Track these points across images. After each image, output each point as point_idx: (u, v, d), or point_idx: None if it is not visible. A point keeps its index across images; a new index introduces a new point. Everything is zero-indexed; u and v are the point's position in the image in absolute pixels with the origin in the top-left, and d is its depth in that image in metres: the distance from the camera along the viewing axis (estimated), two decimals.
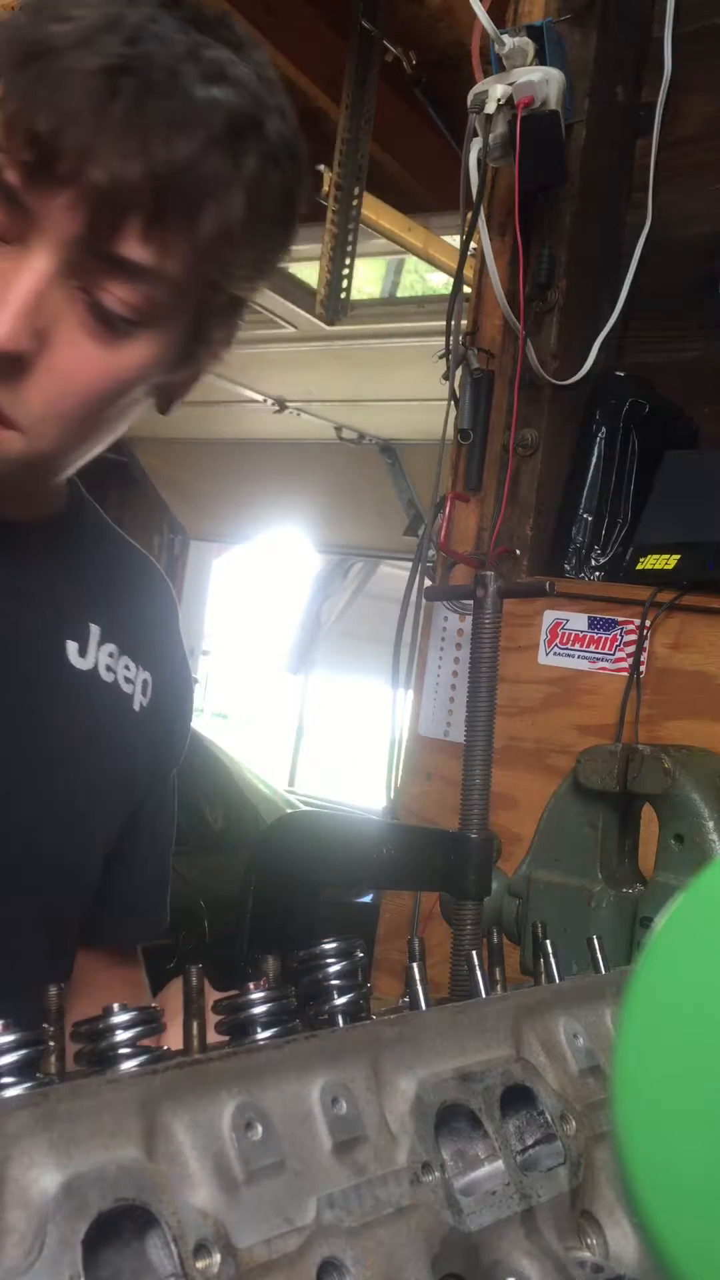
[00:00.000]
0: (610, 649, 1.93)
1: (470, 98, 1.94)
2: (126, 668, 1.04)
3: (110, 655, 1.02)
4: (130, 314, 0.83)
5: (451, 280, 2.17)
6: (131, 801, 1.06)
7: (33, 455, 0.86)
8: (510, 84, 1.90)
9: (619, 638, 1.92)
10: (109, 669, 1.02)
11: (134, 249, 0.80)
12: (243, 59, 0.83)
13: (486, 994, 0.64)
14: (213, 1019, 0.53)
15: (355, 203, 3.55)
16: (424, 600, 2.10)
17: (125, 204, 0.78)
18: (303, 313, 4.61)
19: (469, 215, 2.03)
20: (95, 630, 1.01)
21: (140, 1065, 0.48)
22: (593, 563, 2.03)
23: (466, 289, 2.16)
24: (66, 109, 0.76)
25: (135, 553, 1.15)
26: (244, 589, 9.57)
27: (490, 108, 1.91)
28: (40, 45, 0.77)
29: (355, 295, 3.79)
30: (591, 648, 1.95)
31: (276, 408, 6.07)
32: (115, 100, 0.76)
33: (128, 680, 1.04)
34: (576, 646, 1.96)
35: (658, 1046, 0.37)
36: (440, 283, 4.47)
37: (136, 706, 1.04)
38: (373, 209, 3.57)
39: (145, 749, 1.06)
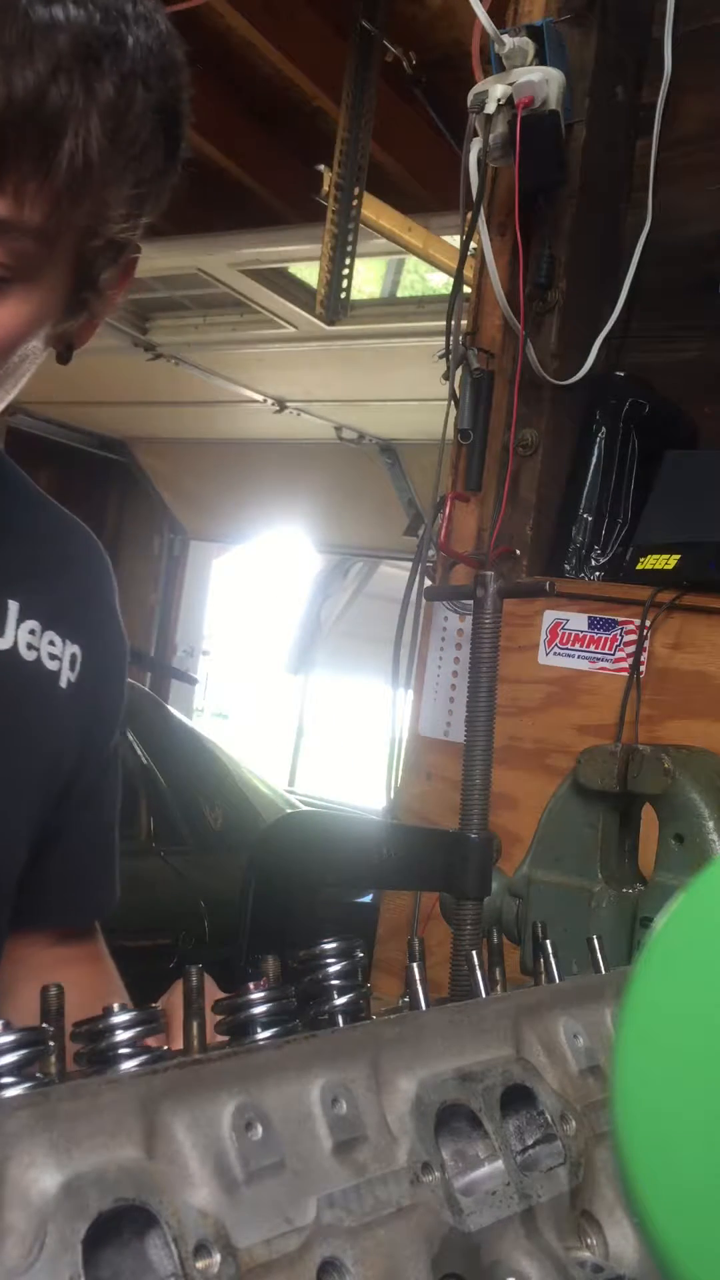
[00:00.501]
0: (610, 649, 1.93)
1: (470, 98, 1.94)
2: (51, 643, 0.99)
3: (31, 633, 0.97)
4: (1, 272, 0.77)
5: (451, 280, 2.17)
6: (60, 782, 1.02)
7: None
8: (510, 84, 1.91)
9: (619, 638, 1.92)
10: (30, 646, 0.97)
11: None
12: None
13: (486, 994, 0.64)
14: (213, 1019, 0.53)
15: (355, 203, 3.55)
16: (424, 600, 2.10)
17: None
18: (303, 313, 4.61)
19: (469, 215, 2.03)
20: (14, 607, 0.96)
21: (140, 1065, 0.48)
22: (593, 563, 2.03)
23: (466, 289, 2.16)
24: None
25: (62, 518, 1.08)
26: (244, 589, 9.58)
27: (490, 108, 1.91)
28: None
29: (355, 295, 3.79)
30: (591, 648, 1.95)
31: (276, 408, 6.07)
32: None
33: (52, 657, 0.99)
34: (576, 646, 1.97)
35: (658, 1046, 0.37)
36: (440, 283, 4.47)
37: (63, 683, 1.00)
38: (373, 209, 3.57)
39: (74, 726, 1.02)
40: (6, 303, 0.79)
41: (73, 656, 1.01)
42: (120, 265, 0.87)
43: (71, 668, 1.01)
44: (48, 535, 1.06)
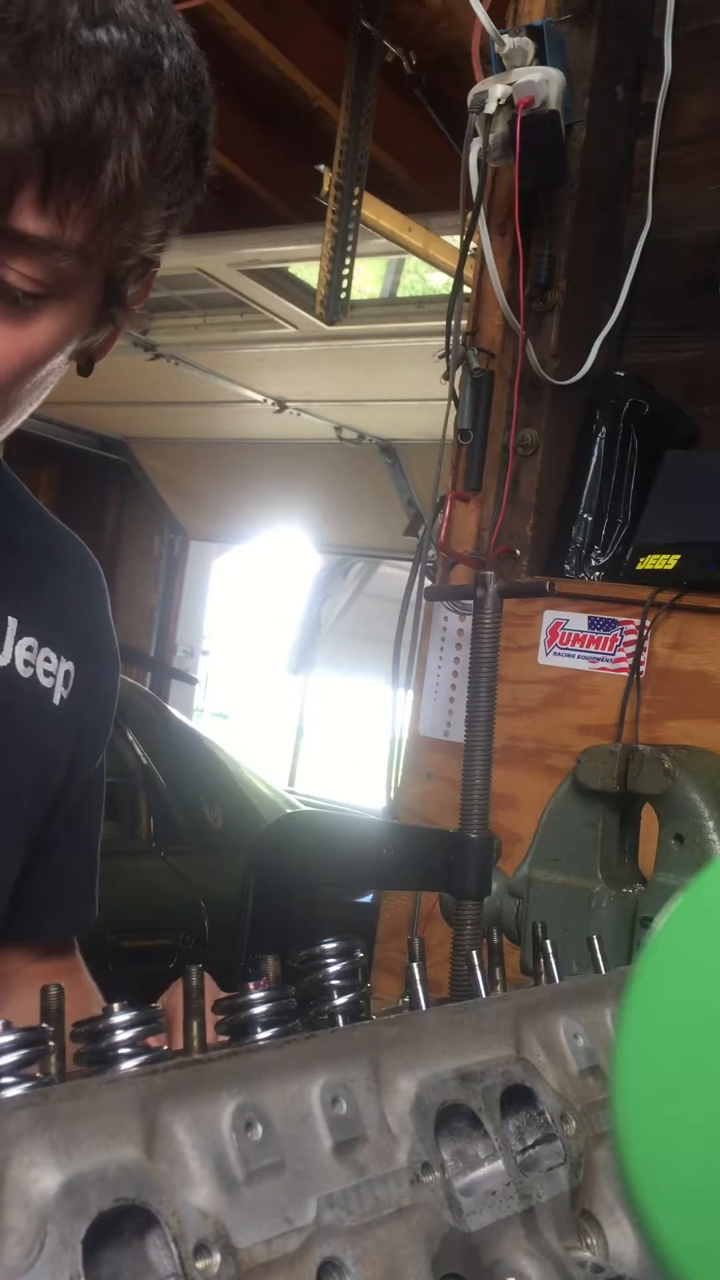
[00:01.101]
0: (610, 649, 1.93)
1: (470, 98, 1.94)
2: (47, 660, 0.99)
3: (29, 649, 0.97)
4: (35, 289, 0.78)
5: (451, 280, 2.17)
6: (49, 798, 1.02)
7: None
8: (510, 84, 1.91)
9: (619, 638, 1.92)
10: (27, 664, 0.97)
11: (29, 222, 0.74)
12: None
13: (486, 994, 0.64)
14: (213, 1019, 0.53)
15: (355, 203, 3.55)
16: (424, 600, 2.10)
17: (14, 175, 0.72)
18: (303, 313, 4.61)
19: (469, 215, 2.03)
20: (13, 623, 0.96)
21: (140, 1065, 0.48)
22: (593, 563, 2.03)
23: (466, 289, 2.16)
24: None
25: (59, 533, 1.09)
26: (244, 589, 9.58)
27: (490, 108, 1.91)
28: None
29: (355, 295, 3.79)
30: (591, 648, 1.95)
31: (276, 408, 6.07)
32: None
33: (47, 674, 0.99)
34: (576, 646, 1.97)
35: (658, 1047, 0.37)
36: (440, 283, 4.47)
37: (57, 700, 1.00)
38: (373, 209, 3.57)
39: (66, 743, 1.02)
40: (40, 320, 0.80)
41: (66, 673, 1.01)
42: (145, 278, 0.89)
43: (65, 684, 1.01)
44: (45, 550, 1.06)
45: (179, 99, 0.77)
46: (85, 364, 0.93)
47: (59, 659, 1.01)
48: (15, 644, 0.97)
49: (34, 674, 0.98)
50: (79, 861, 1.11)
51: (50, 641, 1.00)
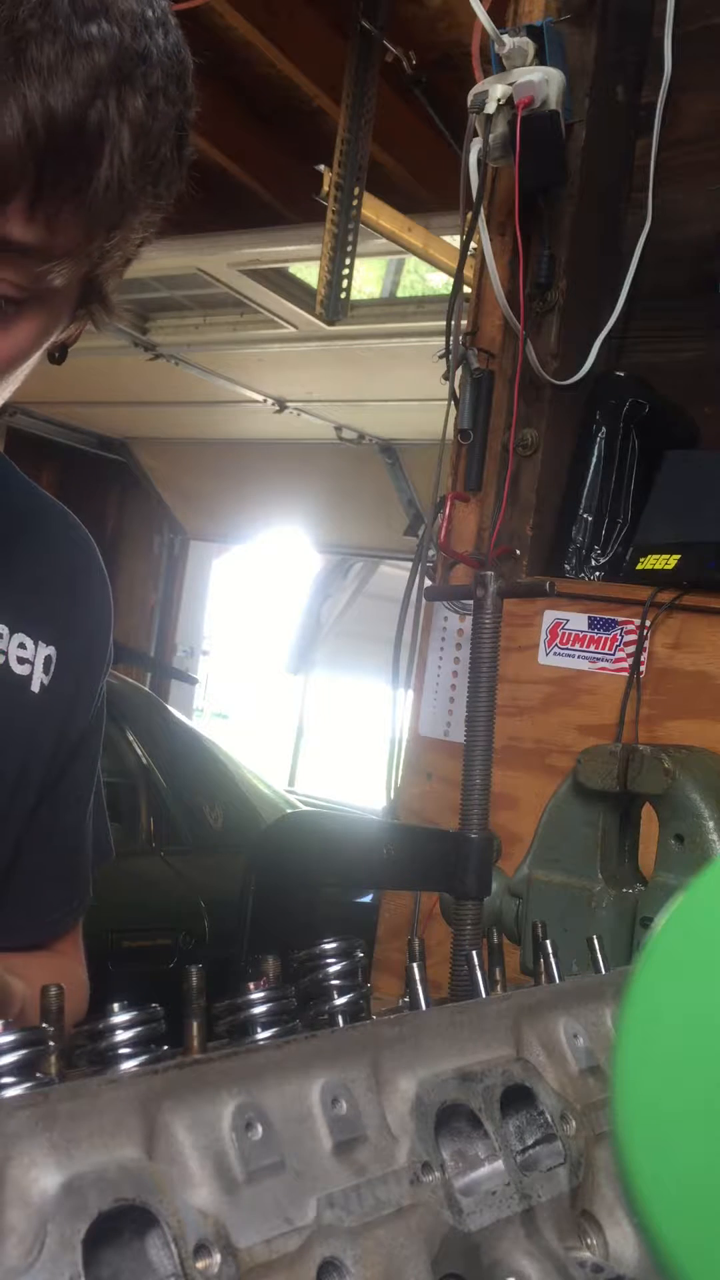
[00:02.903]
0: (610, 649, 1.93)
1: (470, 98, 1.94)
2: (21, 646, 0.95)
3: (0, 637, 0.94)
4: (20, 295, 0.75)
5: (451, 280, 2.17)
6: (31, 795, 0.99)
7: None
8: (510, 84, 1.91)
9: (619, 638, 1.92)
10: None
11: (18, 229, 0.71)
12: None
13: (486, 994, 0.64)
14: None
15: (355, 203, 3.54)
16: (424, 600, 2.10)
17: (4, 182, 0.69)
18: (303, 313, 4.61)
19: (469, 215, 2.03)
20: None
21: (140, 1065, 0.48)
22: (593, 563, 2.03)
23: (466, 289, 2.16)
24: None
25: (45, 511, 1.04)
26: (244, 589, 9.58)
27: (490, 108, 1.91)
28: None
29: (355, 295, 3.79)
30: (591, 648, 1.95)
31: (276, 408, 6.07)
32: None
33: (22, 660, 0.95)
34: (576, 646, 1.96)
35: (658, 1047, 0.37)
36: (440, 283, 4.47)
37: (35, 687, 0.96)
38: (373, 209, 3.57)
39: (49, 730, 0.98)
40: (20, 324, 0.78)
41: (46, 659, 0.98)
42: (122, 271, 0.86)
43: (45, 670, 0.97)
44: (22, 531, 1.02)
45: (166, 91, 0.74)
46: (59, 356, 0.90)
47: (36, 644, 0.97)
48: None
49: (6, 662, 0.94)
50: (66, 845, 1.06)
51: (24, 627, 0.96)
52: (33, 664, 0.97)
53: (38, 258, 0.73)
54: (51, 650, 0.98)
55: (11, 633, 0.95)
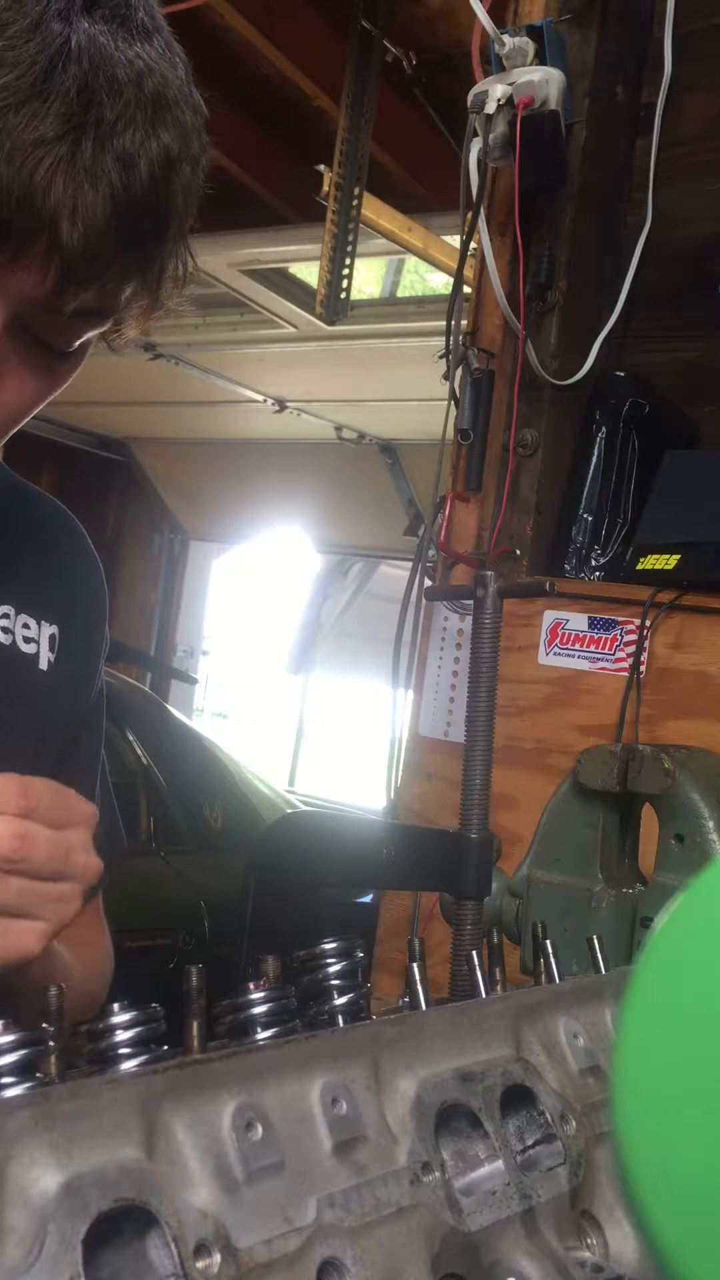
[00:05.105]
0: (610, 649, 1.93)
1: (470, 98, 1.94)
2: (26, 626, 0.99)
3: (5, 617, 0.98)
4: (75, 348, 0.83)
5: (451, 280, 2.17)
6: (44, 770, 1.00)
7: None
8: (510, 84, 1.90)
9: (619, 638, 1.92)
10: (5, 630, 0.97)
11: (94, 300, 0.79)
12: (154, 43, 0.77)
13: (486, 994, 0.64)
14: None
15: (355, 203, 3.55)
16: (424, 600, 2.10)
17: (94, 263, 0.75)
18: (303, 313, 4.61)
19: (469, 215, 2.03)
20: None
21: (140, 1065, 0.48)
22: (593, 563, 2.03)
23: (466, 289, 2.16)
24: (24, 178, 0.71)
25: (35, 501, 1.10)
26: (244, 589, 9.58)
27: (490, 108, 1.91)
28: None
29: (355, 295, 3.79)
30: (591, 648, 1.95)
31: (276, 408, 6.07)
32: (77, 161, 0.72)
33: (28, 640, 0.99)
34: (576, 646, 1.96)
35: (658, 1046, 0.37)
36: (440, 283, 4.46)
37: (44, 665, 1.00)
38: (373, 209, 3.57)
39: (57, 707, 1.03)
40: (65, 369, 0.85)
41: (51, 637, 1.02)
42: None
43: (51, 648, 1.01)
44: (17, 518, 1.06)
45: (202, 150, 0.81)
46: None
47: (40, 624, 1.01)
48: None
49: (13, 641, 0.98)
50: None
51: (28, 608, 1.00)
52: (38, 643, 1.00)
53: (98, 319, 0.82)
54: (55, 629, 1.02)
55: (16, 613, 0.99)
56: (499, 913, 1.23)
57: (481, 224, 2.05)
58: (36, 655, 1.00)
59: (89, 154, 0.72)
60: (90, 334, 0.83)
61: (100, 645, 1.11)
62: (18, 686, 0.98)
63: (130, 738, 3.95)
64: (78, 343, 0.83)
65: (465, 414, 2.09)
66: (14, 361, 0.80)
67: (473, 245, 2.09)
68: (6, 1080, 0.44)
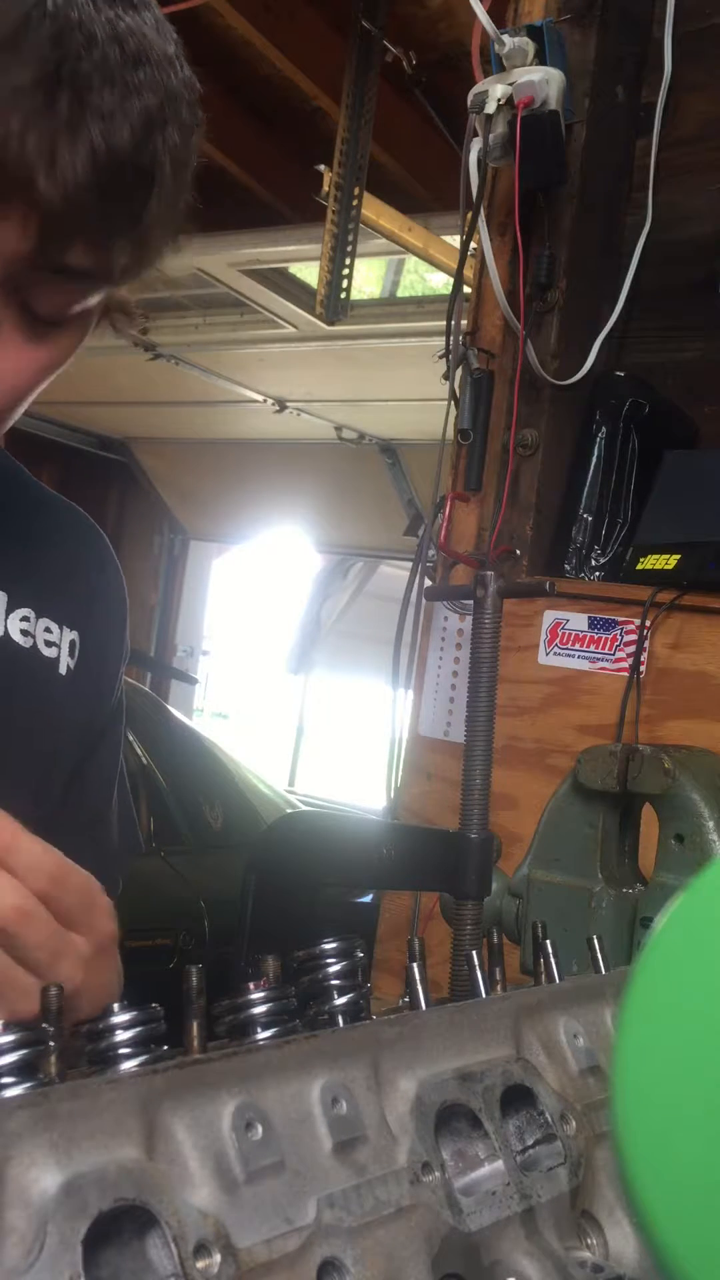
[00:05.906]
0: (610, 649, 1.93)
1: (470, 98, 1.94)
2: (47, 630, 0.99)
3: (25, 619, 0.98)
4: (66, 314, 0.81)
5: (451, 280, 2.17)
6: (64, 776, 1.02)
7: None
8: (510, 84, 1.90)
9: (619, 638, 1.92)
10: (25, 634, 0.97)
11: (79, 258, 0.77)
12: (141, 15, 0.78)
13: (486, 994, 0.64)
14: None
15: (355, 203, 3.55)
16: (424, 600, 2.10)
17: (74, 217, 0.75)
18: (303, 313, 4.61)
19: (469, 215, 2.03)
20: (2, 597, 0.96)
21: (140, 1065, 0.48)
22: (593, 563, 2.03)
23: (466, 289, 2.16)
24: (4, 128, 0.71)
25: (57, 507, 1.10)
26: (244, 589, 9.58)
27: (490, 108, 1.91)
28: None
29: (355, 295, 3.79)
30: (591, 648, 1.95)
31: (276, 408, 6.07)
32: (54, 113, 0.71)
33: (49, 644, 0.99)
34: (576, 646, 1.96)
35: (658, 1046, 0.37)
36: (440, 283, 4.47)
37: (63, 670, 1.00)
38: (373, 209, 3.57)
39: (77, 712, 1.02)
40: (60, 340, 0.83)
41: (71, 643, 1.01)
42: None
43: (71, 654, 1.01)
44: (41, 524, 1.06)
45: (192, 121, 0.81)
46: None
47: (61, 628, 1.01)
48: (7, 616, 0.96)
49: (34, 645, 0.98)
50: (89, 825, 1.08)
51: (49, 612, 1.00)
52: (59, 647, 1.00)
53: (89, 282, 0.80)
54: (75, 635, 1.02)
55: (38, 617, 0.99)
56: (499, 913, 1.23)
57: (481, 224, 2.05)
58: (57, 660, 1.00)
59: (65, 107, 0.71)
60: (86, 301, 0.82)
61: (120, 653, 1.11)
62: (38, 690, 0.98)
63: (130, 738, 3.95)
64: (73, 310, 0.81)
65: (465, 414, 2.09)
66: (7, 326, 0.80)
67: (473, 245, 2.09)
68: (6, 1080, 0.44)
